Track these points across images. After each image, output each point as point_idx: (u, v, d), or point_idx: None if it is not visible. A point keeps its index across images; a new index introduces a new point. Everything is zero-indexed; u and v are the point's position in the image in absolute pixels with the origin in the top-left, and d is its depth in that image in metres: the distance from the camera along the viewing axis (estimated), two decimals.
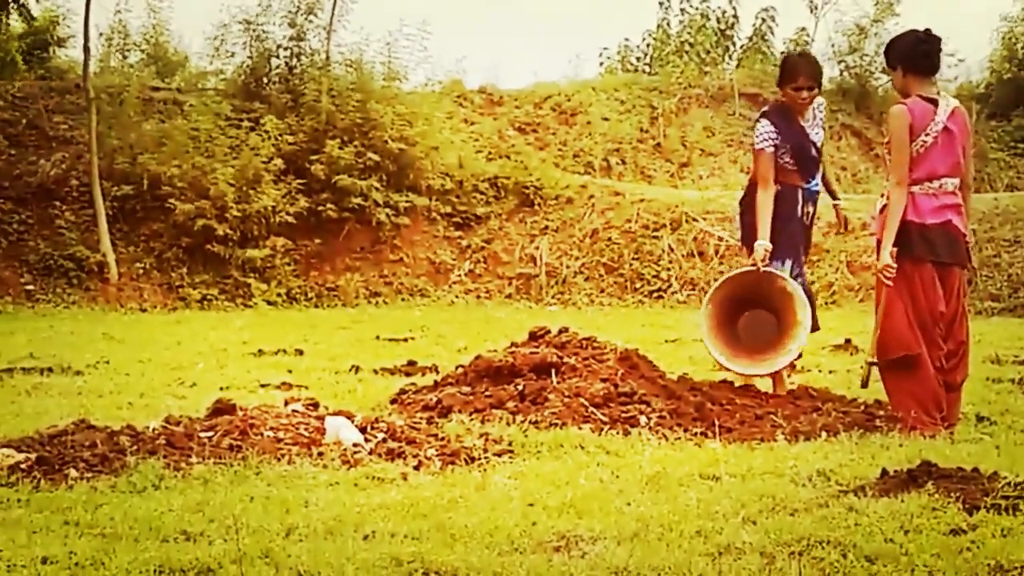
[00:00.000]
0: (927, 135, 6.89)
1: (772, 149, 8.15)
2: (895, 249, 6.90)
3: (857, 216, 16.67)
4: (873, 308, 7.46)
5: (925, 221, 6.91)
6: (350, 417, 6.73)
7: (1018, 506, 4.76)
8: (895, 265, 6.89)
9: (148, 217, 20.03)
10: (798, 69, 8.27)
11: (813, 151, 8.30)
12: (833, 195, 8.81)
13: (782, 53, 27.98)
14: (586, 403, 7.17)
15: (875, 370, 7.18)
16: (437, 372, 9.51)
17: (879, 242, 7.05)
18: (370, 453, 6.24)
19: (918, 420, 6.78)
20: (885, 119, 8.53)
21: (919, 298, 6.94)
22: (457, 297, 20.07)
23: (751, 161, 8.74)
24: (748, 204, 8.38)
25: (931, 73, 7.09)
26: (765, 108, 8.57)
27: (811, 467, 5.75)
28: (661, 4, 28.72)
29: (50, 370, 10.16)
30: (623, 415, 7.07)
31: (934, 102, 6.96)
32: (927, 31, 7.08)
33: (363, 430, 6.56)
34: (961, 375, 7.09)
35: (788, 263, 8.23)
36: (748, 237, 8.36)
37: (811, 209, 8.41)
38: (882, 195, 7.20)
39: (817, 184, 8.40)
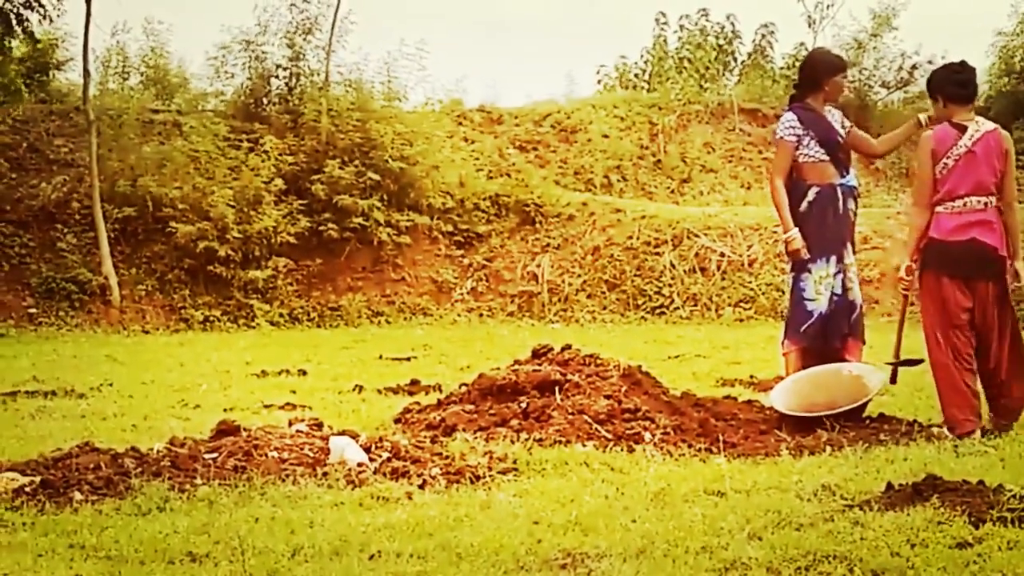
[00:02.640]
0: (948, 158, 7.26)
1: (794, 139, 8.26)
2: (911, 264, 7.44)
3: (858, 230, 16.64)
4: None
5: (946, 239, 7.26)
6: (354, 437, 6.73)
7: None
8: (909, 278, 7.47)
9: (150, 239, 20.02)
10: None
11: (840, 139, 8.37)
12: None
13: (782, 68, 28.00)
14: (590, 420, 7.16)
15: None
16: (440, 391, 9.50)
17: None
18: (375, 473, 6.23)
19: (952, 420, 7.13)
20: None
21: (941, 309, 7.29)
22: (459, 315, 20.05)
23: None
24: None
25: (966, 101, 7.43)
26: (790, 105, 8.60)
27: (816, 481, 5.75)
28: (658, 21, 28.71)
29: (54, 393, 10.15)
30: (627, 432, 7.07)
31: (963, 128, 7.29)
32: (962, 63, 7.52)
33: (367, 450, 6.55)
34: (1009, 372, 7.31)
35: (832, 260, 8.23)
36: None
37: (853, 206, 8.45)
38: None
39: (853, 179, 8.47)
